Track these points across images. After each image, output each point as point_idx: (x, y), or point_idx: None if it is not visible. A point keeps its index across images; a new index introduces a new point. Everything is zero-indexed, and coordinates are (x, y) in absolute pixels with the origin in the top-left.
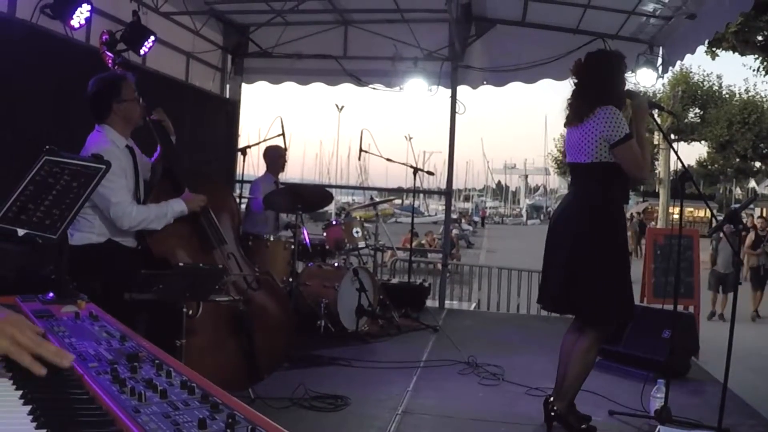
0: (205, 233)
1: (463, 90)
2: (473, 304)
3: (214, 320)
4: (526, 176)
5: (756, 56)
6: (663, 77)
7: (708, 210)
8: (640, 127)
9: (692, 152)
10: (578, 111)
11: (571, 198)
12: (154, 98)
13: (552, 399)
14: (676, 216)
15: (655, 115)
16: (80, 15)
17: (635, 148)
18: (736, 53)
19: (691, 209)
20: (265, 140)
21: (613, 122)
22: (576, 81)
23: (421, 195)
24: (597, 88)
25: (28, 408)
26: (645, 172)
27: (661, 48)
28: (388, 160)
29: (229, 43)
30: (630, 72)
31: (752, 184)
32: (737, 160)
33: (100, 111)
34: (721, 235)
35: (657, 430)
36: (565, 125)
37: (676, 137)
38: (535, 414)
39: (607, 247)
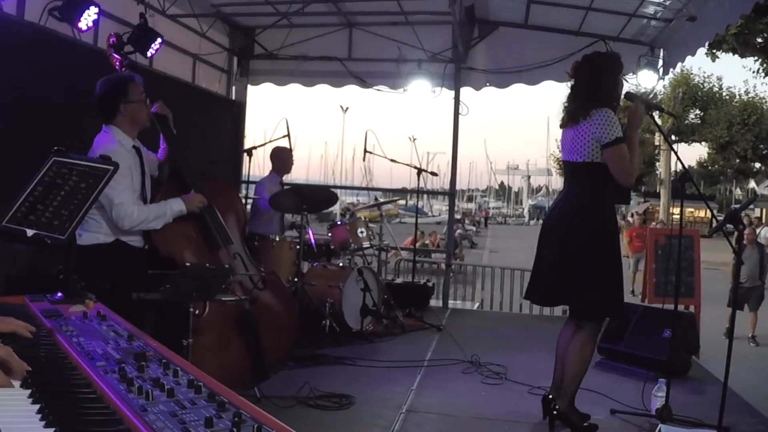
0: (211, 233)
1: (466, 91)
2: (476, 304)
3: (221, 320)
4: (529, 177)
5: (756, 58)
6: (664, 79)
7: (708, 210)
8: (632, 133)
9: (693, 153)
10: (574, 113)
11: (564, 196)
12: (161, 100)
13: (551, 397)
14: (677, 216)
15: (656, 117)
16: (88, 17)
17: (624, 152)
18: (736, 55)
19: (692, 209)
20: (270, 141)
21: (606, 124)
22: (572, 83)
23: (425, 195)
24: (593, 90)
25: (37, 407)
26: (631, 178)
27: (661, 50)
28: (392, 161)
29: (235, 45)
30: (631, 73)
31: (752, 184)
32: (737, 160)
33: (107, 112)
34: (745, 242)
35: (658, 428)
36: (561, 127)
37: (677, 138)
38: (538, 413)
39: (598, 245)
